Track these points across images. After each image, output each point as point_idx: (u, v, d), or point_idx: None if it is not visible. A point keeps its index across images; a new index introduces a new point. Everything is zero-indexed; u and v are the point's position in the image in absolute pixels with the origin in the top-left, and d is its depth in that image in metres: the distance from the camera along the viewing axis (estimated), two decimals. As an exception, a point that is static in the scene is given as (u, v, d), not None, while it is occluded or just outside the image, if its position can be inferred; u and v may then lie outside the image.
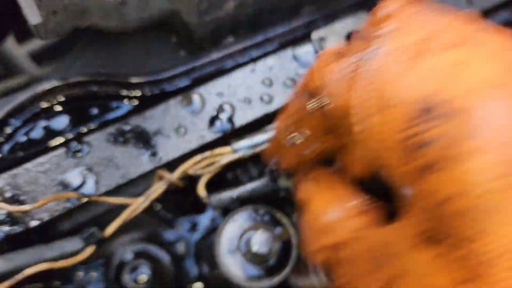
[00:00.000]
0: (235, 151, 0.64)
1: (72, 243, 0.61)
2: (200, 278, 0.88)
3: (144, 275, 0.83)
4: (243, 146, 0.65)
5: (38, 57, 1.49)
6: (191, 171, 0.63)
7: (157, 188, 0.62)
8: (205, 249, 0.88)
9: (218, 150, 0.65)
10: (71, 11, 0.65)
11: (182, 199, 0.93)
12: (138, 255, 0.84)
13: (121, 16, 0.70)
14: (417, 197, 0.34)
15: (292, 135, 0.47)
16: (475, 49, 0.36)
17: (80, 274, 0.84)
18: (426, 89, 0.34)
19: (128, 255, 0.85)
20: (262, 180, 0.63)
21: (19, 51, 1.43)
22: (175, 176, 0.63)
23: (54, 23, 0.66)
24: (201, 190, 0.63)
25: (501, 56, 0.36)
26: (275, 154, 0.53)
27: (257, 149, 0.64)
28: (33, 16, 0.63)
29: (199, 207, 0.94)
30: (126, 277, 0.82)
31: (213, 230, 0.88)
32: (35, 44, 1.52)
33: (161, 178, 0.63)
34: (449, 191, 0.32)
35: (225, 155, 0.64)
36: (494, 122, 0.32)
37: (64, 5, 0.63)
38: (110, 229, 0.61)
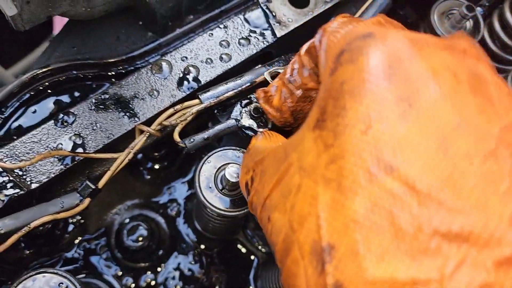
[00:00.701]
0: (202, 101, 0.73)
1: (71, 198, 0.70)
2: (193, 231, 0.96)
3: (141, 234, 0.92)
4: (209, 96, 0.74)
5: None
6: (166, 122, 0.72)
7: (139, 141, 0.71)
8: (192, 207, 0.96)
9: (187, 103, 0.74)
10: (43, 0, 0.74)
11: (167, 167, 1.02)
12: (134, 219, 0.93)
13: (88, 1, 0.79)
14: (325, 89, 0.44)
15: (293, 73, 0.60)
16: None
17: (85, 246, 0.92)
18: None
19: (126, 221, 0.94)
20: (228, 122, 0.72)
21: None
22: (153, 127, 0.72)
23: (29, 13, 0.75)
24: (176, 136, 0.71)
25: None
26: (269, 91, 0.65)
27: (221, 98, 0.74)
28: (8, 8, 0.72)
29: (184, 173, 1.03)
30: (126, 239, 0.91)
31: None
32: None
33: (141, 131, 0.72)
34: (343, 79, 0.42)
35: (194, 106, 0.73)
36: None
37: (36, -6, 0.72)
38: (103, 181, 0.69)
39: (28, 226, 0.66)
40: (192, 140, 0.71)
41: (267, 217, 0.47)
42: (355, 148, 0.39)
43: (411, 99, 0.39)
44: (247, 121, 0.72)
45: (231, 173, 0.69)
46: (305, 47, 0.57)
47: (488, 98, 0.42)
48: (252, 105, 0.73)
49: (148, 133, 0.72)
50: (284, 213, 0.44)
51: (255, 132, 0.72)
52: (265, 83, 0.75)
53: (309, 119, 0.46)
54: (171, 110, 0.73)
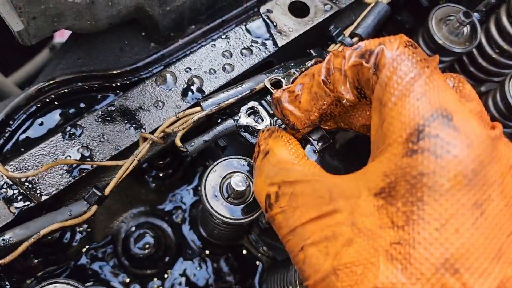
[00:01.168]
0: (203, 109, 0.75)
1: (78, 206, 0.71)
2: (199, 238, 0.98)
3: (148, 242, 0.93)
4: (210, 104, 0.75)
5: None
6: (168, 130, 0.73)
7: (143, 148, 0.72)
8: (198, 214, 0.98)
9: (189, 110, 0.75)
10: (48, 15, 0.75)
11: (172, 174, 1.03)
12: (141, 226, 0.95)
13: (92, 15, 0.80)
14: (396, 165, 0.46)
15: (329, 74, 0.56)
16: None
17: (92, 254, 0.94)
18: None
19: (132, 228, 0.95)
20: (226, 122, 0.73)
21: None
22: (156, 135, 0.73)
23: (35, 28, 0.76)
24: (178, 141, 0.73)
25: None
26: (294, 88, 0.61)
27: (222, 106, 0.75)
28: (15, 23, 0.73)
29: (189, 180, 1.04)
30: (133, 246, 0.93)
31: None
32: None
33: (145, 139, 0.73)
34: (424, 170, 0.44)
35: (196, 113, 0.75)
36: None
37: (41, 10, 0.74)
38: (108, 188, 0.71)
39: (38, 234, 0.68)
40: (192, 144, 0.72)
41: (300, 246, 0.51)
42: (427, 243, 0.43)
43: (483, 206, 0.44)
44: (244, 120, 0.73)
45: (236, 182, 0.71)
46: (350, 58, 0.53)
47: None
48: (248, 104, 0.75)
49: (152, 141, 0.73)
50: (326, 256, 0.48)
51: (254, 130, 0.73)
52: (264, 90, 0.77)
53: (369, 177, 0.48)
54: (173, 118, 0.74)
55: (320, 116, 0.61)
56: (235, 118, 0.73)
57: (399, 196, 0.45)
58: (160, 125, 0.78)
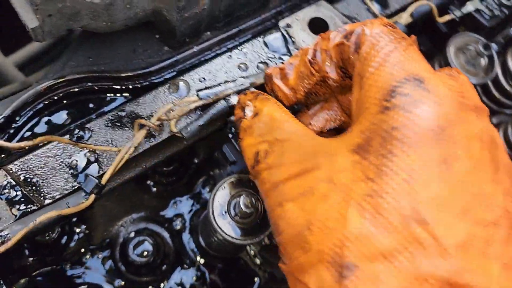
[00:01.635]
0: (200, 98, 0.74)
1: (76, 198, 0.70)
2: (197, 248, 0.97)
3: (147, 249, 0.92)
4: (208, 94, 0.74)
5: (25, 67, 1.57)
6: (164, 117, 0.72)
7: (139, 135, 0.71)
8: (198, 224, 0.97)
9: (186, 99, 0.74)
10: (64, 14, 0.73)
11: (175, 181, 1.02)
12: (140, 233, 0.93)
13: (110, 16, 0.78)
14: (371, 122, 0.48)
15: (315, 55, 0.60)
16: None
17: (89, 257, 0.92)
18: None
19: (131, 234, 0.94)
20: (218, 104, 0.72)
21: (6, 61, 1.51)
22: (152, 121, 0.71)
23: (50, 26, 0.74)
24: (173, 127, 0.72)
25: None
26: (286, 68, 0.66)
27: (219, 96, 0.74)
28: (30, 20, 0.71)
29: (191, 188, 1.03)
30: (131, 253, 0.91)
31: (203, 207, 0.97)
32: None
33: (141, 126, 0.72)
34: (395, 124, 0.46)
35: (193, 102, 0.73)
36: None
37: (58, 8, 0.71)
38: (106, 176, 0.69)
39: (34, 221, 0.66)
40: (188, 129, 0.71)
41: (278, 202, 0.53)
42: (395, 193, 0.44)
43: (449, 162, 0.45)
44: (235, 99, 0.72)
45: (245, 203, 0.70)
46: (334, 38, 0.58)
47: (496, 164, 0.49)
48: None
49: (148, 128, 0.71)
50: (302, 211, 0.49)
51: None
52: (264, 86, 0.75)
53: (348, 136, 0.50)
54: (170, 105, 0.73)
55: (306, 95, 0.65)
56: (227, 99, 0.72)
57: (373, 150, 0.47)
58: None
